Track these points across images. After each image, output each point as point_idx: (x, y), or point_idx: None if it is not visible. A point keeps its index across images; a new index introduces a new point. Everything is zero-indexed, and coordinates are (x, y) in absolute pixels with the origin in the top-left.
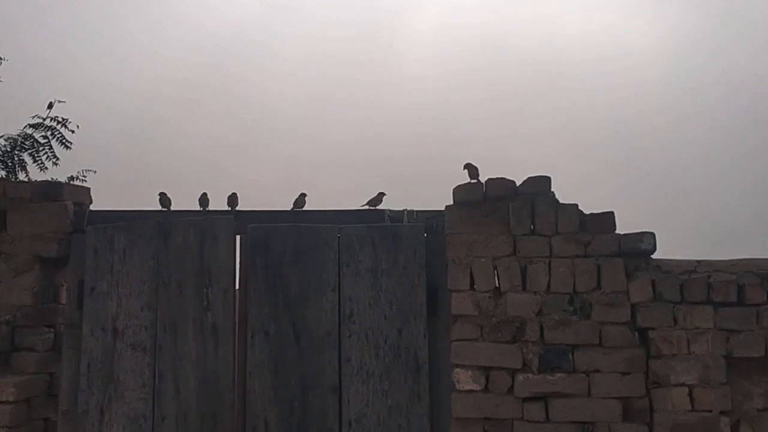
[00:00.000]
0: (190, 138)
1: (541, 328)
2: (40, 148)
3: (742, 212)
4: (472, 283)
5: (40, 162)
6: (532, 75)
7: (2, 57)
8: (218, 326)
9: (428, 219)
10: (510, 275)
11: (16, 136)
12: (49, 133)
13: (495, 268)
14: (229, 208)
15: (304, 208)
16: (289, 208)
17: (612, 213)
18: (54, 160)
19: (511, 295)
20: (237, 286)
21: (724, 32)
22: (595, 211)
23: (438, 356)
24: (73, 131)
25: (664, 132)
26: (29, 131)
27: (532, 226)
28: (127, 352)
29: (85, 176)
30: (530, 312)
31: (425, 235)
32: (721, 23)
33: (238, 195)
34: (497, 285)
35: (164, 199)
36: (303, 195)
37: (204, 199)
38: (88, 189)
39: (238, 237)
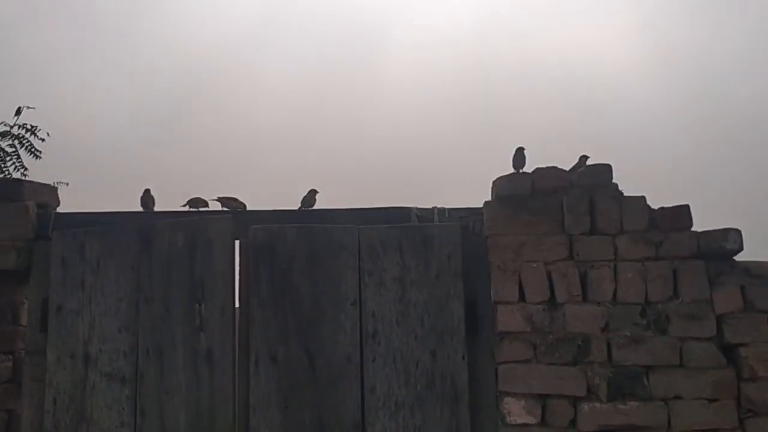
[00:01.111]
0: (177, 153)
1: (609, 346)
2: (7, 158)
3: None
4: (521, 294)
5: (7, 173)
6: (512, 90)
7: None
8: (214, 351)
9: (463, 218)
10: (567, 283)
11: None
12: (16, 141)
13: (549, 274)
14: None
15: (314, 207)
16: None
17: (687, 207)
18: (22, 170)
19: (570, 306)
20: (237, 302)
21: (712, 52)
22: (665, 205)
23: (480, 383)
24: (43, 140)
25: (647, 149)
26: None
27: (591, 224)
28: (101, 383)
29: (56, 188)
30: (594, 327)
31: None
32: (709, 42)
33: (151, 192)
34: (552, 295)
35: (146, 198)
36: (313, 192)
37: (197, 202)
38: (55, 188)
39: (237, 242)
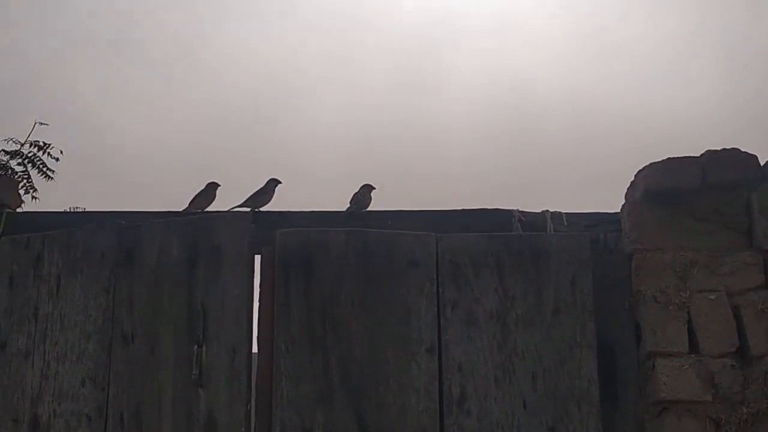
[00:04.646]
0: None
1: None
2: (18, 179)
3: None
4: (692, 341)
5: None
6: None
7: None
8: (218, 416)
9: (588, 227)
10: (767, 325)
11: None
12: (27, 161)
13: (736, 310)
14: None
15: (368, 210)
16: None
17: None
18: (32, 192)
19: None
20: (255, 342)
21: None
22: None
23: None
24: (57, 159)
25: None
26: (4, 159)
27: None
28: None
29: (16, 182)
30: None
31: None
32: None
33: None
34: (744, 343)
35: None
36: (367, 188)
37: (207, 194)
38: (15, 182)
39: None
